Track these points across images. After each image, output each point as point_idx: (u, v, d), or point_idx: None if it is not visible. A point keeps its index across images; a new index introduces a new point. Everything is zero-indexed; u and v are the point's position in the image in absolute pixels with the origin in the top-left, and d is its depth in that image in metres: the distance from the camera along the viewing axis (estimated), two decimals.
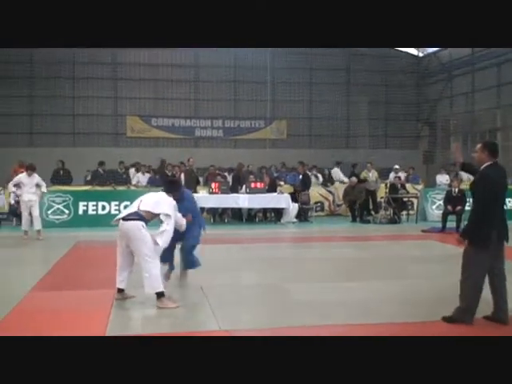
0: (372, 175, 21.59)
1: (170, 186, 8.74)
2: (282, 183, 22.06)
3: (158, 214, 7.99)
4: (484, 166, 7.39)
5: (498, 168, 7.49)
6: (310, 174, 22.52)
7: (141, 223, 7.82)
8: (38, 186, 15.59)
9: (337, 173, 24.49)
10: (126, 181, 21.84)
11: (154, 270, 7.80)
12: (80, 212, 18.73)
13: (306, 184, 21.20)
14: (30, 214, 15.51)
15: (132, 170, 23.29)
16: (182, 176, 20.99)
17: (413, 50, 38.75)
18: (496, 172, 7.41)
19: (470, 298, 7.23)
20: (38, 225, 15.53)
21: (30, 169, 15.64)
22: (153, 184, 21.81)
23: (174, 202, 8.16)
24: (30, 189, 15.43)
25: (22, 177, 15.56)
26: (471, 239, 7.21)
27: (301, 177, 21.28)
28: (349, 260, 12.22)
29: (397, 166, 22.49)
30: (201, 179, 21.97)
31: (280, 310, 7.90)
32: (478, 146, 7.56)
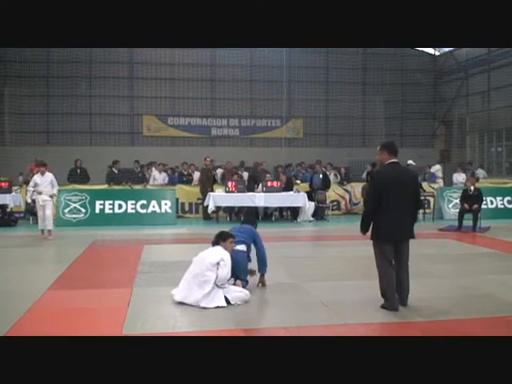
0: None
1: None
2: (298, 182, 22.04)
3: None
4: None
5: (394, 167, 7.67)
6: (328, 173, 22.43)
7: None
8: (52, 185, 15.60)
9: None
10: (143, 179, 21.91)
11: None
12: (97, 211, 18.80)
13: (326, 183, 21.15)
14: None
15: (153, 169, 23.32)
16: (198, 175, 21.16)
17: (429, 49, 38.60)
18: (389, 171, 7.62)
19: (382, 285, 7.69)
20: (49, 224, 15.42)
21: (41, 165, 15.68)
22: (170, 182, 22.00)
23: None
24: (44, 188, 15.39)
25: (36, 177, 15.59)
26: (370, 235, 7.73)
27: (321, 176, 21.21)
28: (366, 258, 12.12)
29: (410, 162, 22.10)
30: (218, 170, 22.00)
31: (298, 308, 7.88)
32: (378, 148, 7.77)
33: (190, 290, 7.98)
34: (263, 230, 17.36)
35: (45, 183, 15.40)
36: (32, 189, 15.63)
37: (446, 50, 37.28)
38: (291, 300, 8.38)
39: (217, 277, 7.93)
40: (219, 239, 8.46)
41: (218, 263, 8.01)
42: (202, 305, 7.77)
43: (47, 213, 15.40)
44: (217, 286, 7.96)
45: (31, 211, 18.20)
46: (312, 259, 12.32)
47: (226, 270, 8.03)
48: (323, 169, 22.10)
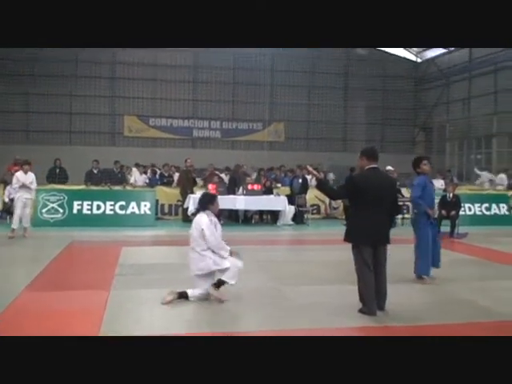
0: None
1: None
2: (279, 185, 22.03)
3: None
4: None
5: (371, 172, 7.72)
6: (309, 177, 22.40)
7: None
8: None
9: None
10: (122, 180, 21.79)
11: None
12: (74, 211, 18.64)
13: (305, 188, 21.12)
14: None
15: (134, 169, 23.25)
16: (177, 176, 21.17)
17: (411, 56, 38.88)
18: (365, 176, 7.70)
19: (361, 289, 7.73)
20: (26, 222, 15.60)
21: (25, 164, 15.63)
22: (151, 183, 21.93)
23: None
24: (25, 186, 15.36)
25: (18, 175, 15.50)
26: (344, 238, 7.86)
27: (300, 180, 21.20)
28: (345, 263, 12.11)
29: (389, 168, 21.99)
30: (198, 180, 21.80)
31: (275, 312, 7.85)
32: (359, 154, 7.83)
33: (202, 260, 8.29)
34: (243, 233, 17.41)
35: (27, 182, 15.35)
36: (16, 185, 15.46)
37: (428, 56, 37.58)
38: (268, 304, 8.34)
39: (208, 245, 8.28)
40: (208, 204, 8.59)
41: (202, 231, 8.26)
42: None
43: (27, 211, 15.50)
44: (213, 251, 8.29)
45: (9, 211, 18.04)
46: (291, 263, 12.30)
47: (209, 234, 8.29)
48: (303, 173, 22.05)
